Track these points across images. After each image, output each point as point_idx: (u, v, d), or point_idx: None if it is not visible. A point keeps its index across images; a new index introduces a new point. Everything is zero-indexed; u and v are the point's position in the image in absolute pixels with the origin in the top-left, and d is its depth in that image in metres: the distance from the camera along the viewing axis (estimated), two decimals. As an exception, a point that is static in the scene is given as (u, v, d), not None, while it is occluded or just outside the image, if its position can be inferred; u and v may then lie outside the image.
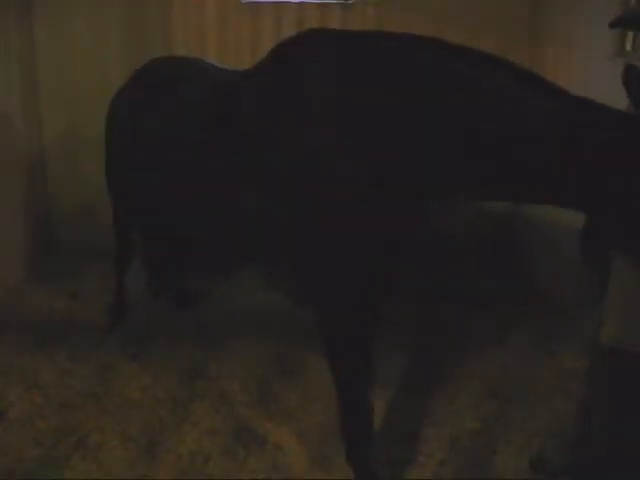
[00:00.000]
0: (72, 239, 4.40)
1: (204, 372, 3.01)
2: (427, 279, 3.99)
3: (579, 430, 2.26)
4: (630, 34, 3.11)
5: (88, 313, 3.56)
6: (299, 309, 3.60)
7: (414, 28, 4.07)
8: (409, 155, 1.86)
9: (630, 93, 1.73)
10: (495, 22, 4.01)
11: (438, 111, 1.78)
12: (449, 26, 3.90)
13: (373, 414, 2.23)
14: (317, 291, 2.13)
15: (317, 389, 2.86)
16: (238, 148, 2.21)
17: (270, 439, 2.54)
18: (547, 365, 3.11)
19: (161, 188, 2.59)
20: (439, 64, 1.80)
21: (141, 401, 2.77)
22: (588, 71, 3.37)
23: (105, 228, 3.79)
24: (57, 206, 4.44)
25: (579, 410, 2.29)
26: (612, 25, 2.11)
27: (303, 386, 2.91)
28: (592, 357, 2.19)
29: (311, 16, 4.12)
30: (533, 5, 4.12)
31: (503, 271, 4.26)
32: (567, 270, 3.53)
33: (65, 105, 4.25)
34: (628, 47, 3.12)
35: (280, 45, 2.25)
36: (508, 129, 1.68)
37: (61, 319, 3.48)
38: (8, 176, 3.84)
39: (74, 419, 2.63)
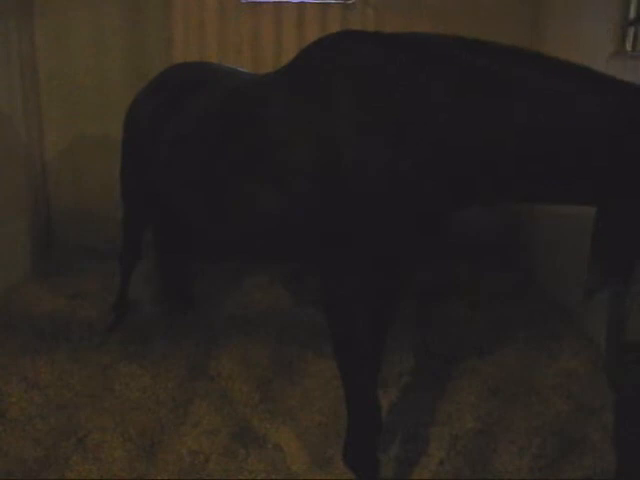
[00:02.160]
0: (73, 239, 4.40)
1: (204, 372, 3.01)
2: (428, 277, 3.99)
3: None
4: (630, 34, 3.11)
5: (88, 313, 3.56)
6: (305, 309, 3.60)
7: (414, 28, 4.08)
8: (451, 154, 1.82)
9: None
10: (495, 22, 4.01)
11: (483, 108, 1.73)
12: (449, 26, 3.90)
13: (381, 414, 2.21)
14: (330, 289, 2.11)
15: (317, 389, 2.86)
16: (260, 150, 2.18)
17: (270, 439, 2.54)
18: (547, 365, 3.11)
19: (181, 191, 2.59)
20: (464, 59, 1.79)
21: (141, 401, 2.77)
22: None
23: (106, 228, 3.80)
24: (58, 206, 4.44)
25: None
26: (632, 23, 2.09)
27: (303, 386, 2.91)
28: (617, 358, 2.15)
29: (311, 16, 4.12)
30: (533, 5, 4.13)
31: (505, 270, 4.26)
32: (570, 269, 3.53)
33: (65, 106, 4.25)
34: (628, 47, 3.12)
35: (306, 47, 2.26)
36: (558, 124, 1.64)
37: (61, 319, 3.48)
38: (9, 176, 3.84)
39: (74, 419, 2.63)
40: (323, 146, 1.97)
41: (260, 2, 4.16)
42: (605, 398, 2.74)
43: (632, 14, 3.07)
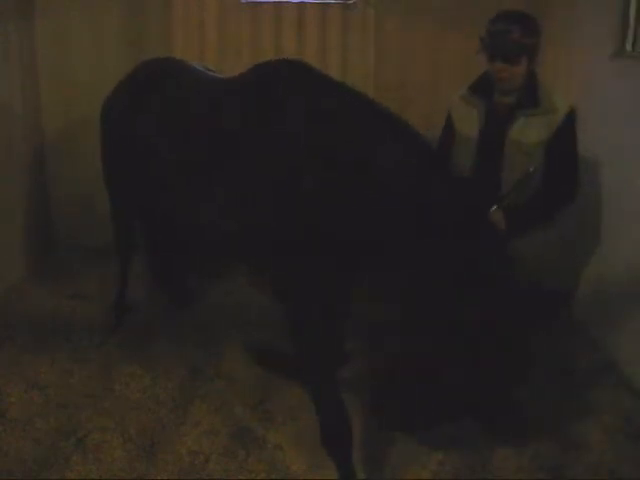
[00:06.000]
0: (73, 239, 4.40)
1: (204, 372, 3.01)
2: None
3: None
4: (630, 34, 3.10)
5: (89, 313, 3.56)
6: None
7: (414, 28, 4.10)
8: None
9: None
10: (495, 22, 4.00)
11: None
12: (449, 26, 3.91)
13: (346, 411, 2.23)
14: (289, 289, 2.30)
15: (317, 389, 2.86)
16: (220, 149, 2.31)
17: (270, 439, 2.54)
18: (547, 364, 3.10)
19: (152, 186, 2.69)
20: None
21: (141, 401, 2.78)
22: (588, 71, 3.37)
23: (106, 228, 3.78)
24: (57, 205, 4.44)
25: None
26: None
27: (303, 386, 2.90)
28: None
29: (311, 16, 4.12)
30: (533, 5, 4.12)
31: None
32: (567, 263, 3.53)
33: (65, 106, 4.25)
34: (628, 47, 3.12)
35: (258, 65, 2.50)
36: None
37: (61, 319, 3.48)
38: (8, 175, 3.84)
39: (74, 419, 2.63)
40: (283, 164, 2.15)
41: (260, 2, 4.16)
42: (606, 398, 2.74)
43: (632, 14, 3.07)
